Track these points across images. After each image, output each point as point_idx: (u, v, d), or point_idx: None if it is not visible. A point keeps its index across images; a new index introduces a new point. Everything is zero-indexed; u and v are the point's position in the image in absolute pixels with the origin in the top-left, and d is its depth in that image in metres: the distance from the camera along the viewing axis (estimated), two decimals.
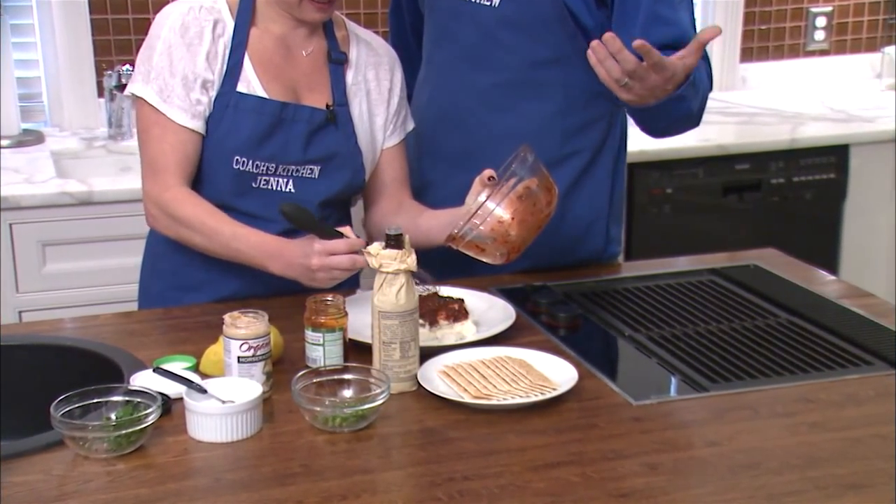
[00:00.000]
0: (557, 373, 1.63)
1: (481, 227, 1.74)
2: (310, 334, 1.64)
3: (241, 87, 1.88)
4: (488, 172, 1.81)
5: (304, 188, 1.92)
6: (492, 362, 1.66)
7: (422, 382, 1.60)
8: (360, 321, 1.77)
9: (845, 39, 3.98)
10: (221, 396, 1.49)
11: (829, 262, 3.32)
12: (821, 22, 3.92)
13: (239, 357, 1.56)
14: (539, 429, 1.50)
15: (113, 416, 1.48)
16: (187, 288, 1.97)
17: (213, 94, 1.87)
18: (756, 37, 3.90)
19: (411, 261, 1.60)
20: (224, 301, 1.91)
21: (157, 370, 1.60)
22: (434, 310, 1.79)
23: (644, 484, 1.36)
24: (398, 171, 2.06)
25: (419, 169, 2.20)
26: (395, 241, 1.60)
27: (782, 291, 2.02)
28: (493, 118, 2.09)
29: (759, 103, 3.68)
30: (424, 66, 2.20)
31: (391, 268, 1.59)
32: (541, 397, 1.56)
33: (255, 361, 1.57)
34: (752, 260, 2.20)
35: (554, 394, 1.57)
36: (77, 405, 1.47)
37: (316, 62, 1.95)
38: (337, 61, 1.96)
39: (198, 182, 1.91)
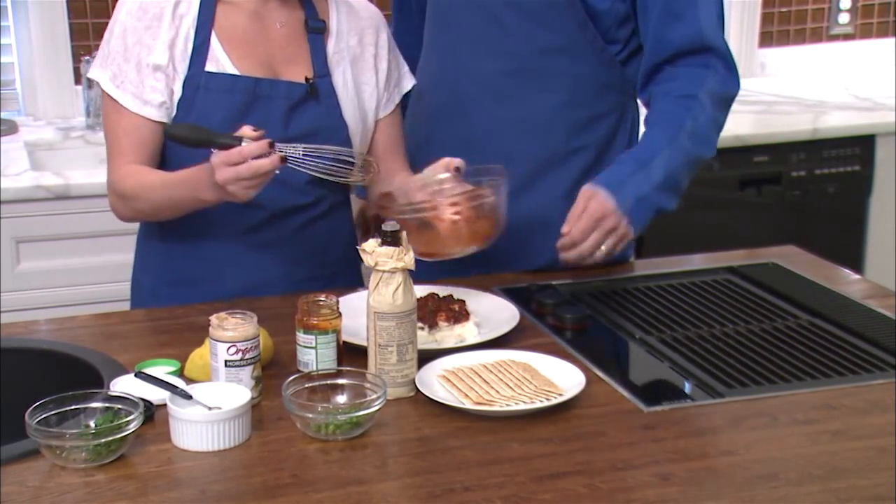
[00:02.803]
0: (564, 377, 1.64)
1: (423, 212, 1.77)
2: (301, 336, 1.64)
3: (210, 67, 1.90)
4: (457, 162, 1.86)
5: (291, 169, 1.92)
6: (494, 366, 1.67)
7: (420, 388, 1.60)
8: (356, 323, 1.77)
9: (871, 23, 3.98)
10: (207, 402, 1.50)
11: (854, 260, 3.32)
12: (845, 4, 3.92)
13: (226, 361, 1.57)
14: (544, 437, 1.51)
15: (92, 424, 1.48)
16: (178, 283, 1.98)
17: (180, 77, 1.89)
18: (776, 20, 3.90)
19: (409, 259, 1.60)
20: (219, 300, 1.91)
21: (139, 375, 1.60)
22: (433, 311, 1.79)
23: (655, 495, 1.37)
24: (392, 140, 2.07)
25: (416, 156, 2.20)
26: (391, 238, 1.61)
27: (803, 291, 2.03)
28: (497, 107, 2.10)
29: (779, 91, 3.69)
30: (425, 51, 2.21)
31: (387, 266, 1.59)
32: (546, 403, 1.56)
33: (244, 365, 1.58)
34: (771, 258, 2.21)
35: (560, 400, 1.57)
36: (54, 412, 1.48)
37: (292, 33, 1.95)
38: (315, 30, 1.96)
39: (177, 167, 1.93)
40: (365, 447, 1.49)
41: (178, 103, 1.89)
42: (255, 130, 1.72)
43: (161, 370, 1.65)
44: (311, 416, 1.50)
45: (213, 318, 1.58)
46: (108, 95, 1.90)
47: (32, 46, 3.21)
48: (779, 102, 3.57)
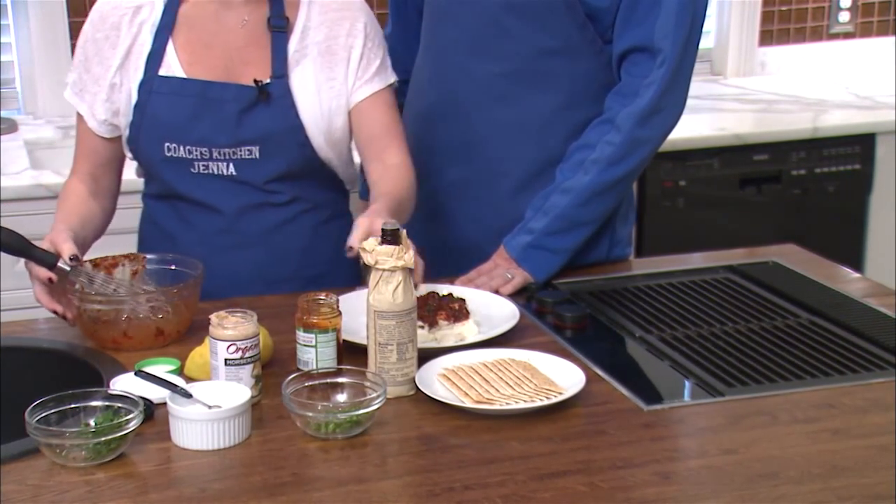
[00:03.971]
0: (564, 376, 1.64)
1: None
2: (301, 335, 1.64)
3: (163, 71, 1.91)
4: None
5: (246, 170, 1.93)
6: (494, 365, 1.67)
7: (420, 386, 1.60)
8: (356, 321, 1.77)
9: (871, 21, 3.98)
10: (207, 401, 1.50)
11: (854, 258, 3.32)
12: (845, 3, 3.92)
13: (226, 359, 1.57)
14: (544, 435, 1.51)
15: (92, 423, 1.48)
16: None
17: (136, 81, 1.91)
18: (776, 18, 3.90)
19: (409, 257, 1.60)
20: (216, 299, 1.91)
21: (139, 373, 1.60)
22: (433, 310, 1.79)
23: (655, 494, 1.37)
24: (374, 126, 1.98)
25: (414, 159, 2.20)
26: (391, 237, 1.61)
27: (803, 290, 2.03)
28: (495, 110, 2.09)
29: (780, 90, 3.68)
30: (422, 52, 2.20)
31: (387, 265, 1.59)
32: (546, 402, 1.56)
33: (244, 364, 1.58)
34: (771, 256, 2.21)
35: (560, 398, 1.57)
36: (53, 411, 1.48)
37: (253, 32, 1.93)
38: (276, 28, 1.92)
39: (146, 175, 2.02)
40: (365, 446, 1.49)
41: (134, 107, 1.92)
42: (71, 259, 1.75)
43: (161, 369, 1.64)
44: (311, 414, 1.50)
45: (213, 317, 1.58)
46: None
47: (32, 45, 3.21)
48: (779, 101, 3.57)
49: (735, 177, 3.23)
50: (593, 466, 1.43)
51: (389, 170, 1.97)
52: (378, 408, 1.51)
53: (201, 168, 1.93)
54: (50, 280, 1.74)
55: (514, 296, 1.97)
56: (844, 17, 3.94)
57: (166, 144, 1.92)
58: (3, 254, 2.66)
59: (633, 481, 1.40)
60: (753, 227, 3.23)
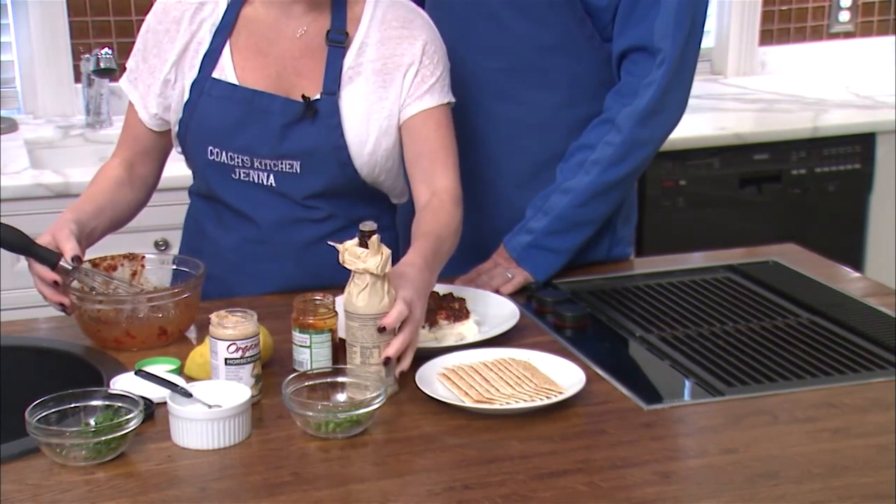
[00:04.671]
0: (564, 376, 1.64)
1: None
2: (297, 336, 1.64)
3: (217, 73, 1.89)
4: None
5: (286, 183, 1.91)
6: (494, 364, 1.67)
7: (420, 386, 1.60)
8: None
9: (871, 21, 3.98)
10: (208, 401, 1.50)
11: (854, 258, 3.32)
12: (845, 2, 3.92)
13: (226, 359, 1.57)
14: (544, 435, 1.51)
15: (92, 422, 1.48)
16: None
17: (189, 80, 1.90)
18: (776, 18, 3.90)
19: (373, 263, 1.57)
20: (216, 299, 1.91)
21: (140, 373, 1.60)
22: (434, 309, 1.79)
23: (655, 494, 1.37)
24: (423, 144, 1.90)
25: None
26: (362, 238, 1.60)
27: (803, 289, 2.03)
28: (495, 106, 2.09)
29: (780, 89, 3.69)
30: None
31: (354, 266, 1.59)
32: (546, 402, 1.56)
33: (244, 364, 1.58)
34: (771, 256, 2.21)
35: (560, 398, 1.57)
36: (54, 410, 1.48)
37: (311, 44, 1.89)
38: (334, 43, 1.88)
39: (193, 172, 2.00)
40: (365, 445, 1.49)
41: (185, 105, 1.90)
42: (73, 259, 1.73)
43: (161, 368, 1.64)
44: (310, 414, 1.50)
45: (213, 317, 1.58)
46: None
47: (32, 44, 3.21)
48: (779, 100, 3.57)
49: (735, 176, 3.24)
50: (593, 466, 1.43)
51: (434, 197, 1.89)
52: (378, 407, 1.51)
53: (242, 175, 1.91)
54: (55, 283, 1.74)
55: (515, 295, 1.97)
56: (844, 16, 3.94)
57: (210, 148, 1.90)
58: (3, 253, 2.66)
59: (633, 481, 1.40)
60: (754, 226, 3.23)
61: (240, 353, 1.57)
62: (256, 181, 1.91)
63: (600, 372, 1.69)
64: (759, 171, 3.25)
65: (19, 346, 1.80)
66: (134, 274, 1.89)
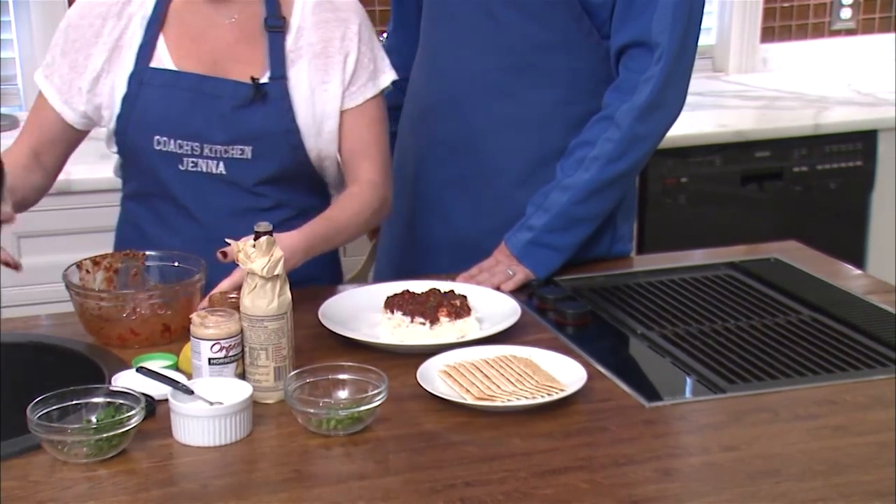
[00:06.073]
0: (565, 373, 1.64)
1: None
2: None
3: (155, 63, 1.89)
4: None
5: (236, 169, 1.91)
6: (496, 362, 1.67)
7: (421, 383, 1.60)
8: (356, 318, 1.78)
9: (873, 18, 3.98)
10: (209, 398, 1.50)
11: (856, 255, 3.32)
12: None
13: (210, 359, 1.57)
14: (545, 432, 1.51)
15: (93, 419, 1.48)
16: None
17: (124, 74, 1.89)
18: (778, 15, 3.90)
19: (259, 264, 1.56)
20: None
21: (141, 370, 1.60)
22: (435, 306, 1.79)
23: (657, 491, 1.37)
24: (357, 141, 1.95)
25: (414, 155, 2.20)
26: (257, 238, 1.59)
27: (805, 286, 2.02)
28: (493, 104, 2.09)
29: (781, 86, 3.68)
30: (421, 47, 2.21)
31: (244, 265, 1.57)
32: (548, 399, 1.56)
33: (227, 363, 1.57)
34: (772, 253, 2.21)
35: (561, 395, 1.57)
36: (55, 407, 1.48)
37: (244, 30, 1.90)
38: (273, 28, 1.89)
39: (128, 174, 1.99)
40: (366, 442, 1.49)
41: (123, 100, 1.90)
42: None
43: (157, 364, 1.64)
44: (312, 411, 1.50)
45: (195, 317, 1.58)
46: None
47: (33, 42, 3.21)
48: (781, 98, 3.57)
49: (737, 173, 3.23)
50: (594, 463, 1.43)
51: (356, 186, 1.94)
52: (379, 404, 1.51)
53: (190, 165, 1.91)
54: None
55: (516, 292, 1.97)
56: (846, 13, 3.93)
57: (156, 137, 1.89)
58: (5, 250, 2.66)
59: (635, 478, 1.40)
60: (755, 223, 3.23)
61: (223, 352, 1.57)
62: (205, 170, 1.91)
63: (601, 369, 1.69)
64: (760, 168, 3.25)
65: (20, 343, 1.80)
66: (135, 273, 1.89)
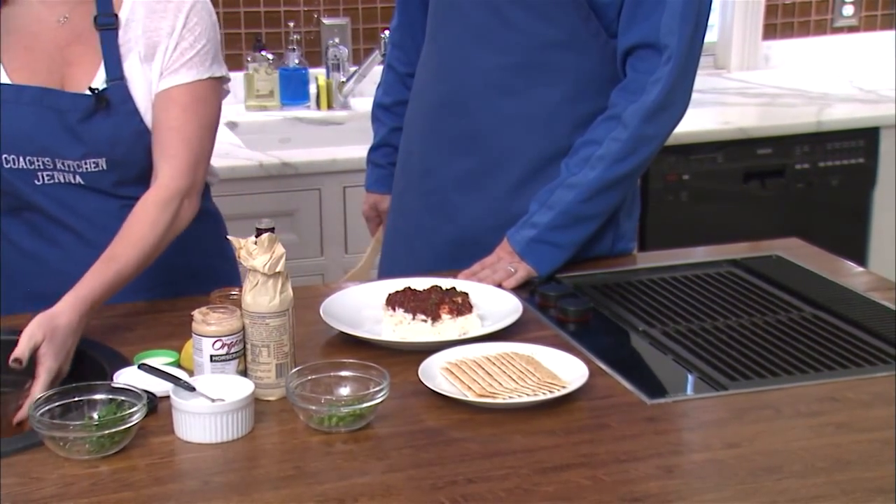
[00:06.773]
0: (567, 370, 1.64)
1: None
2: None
3: None
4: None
5: (95, 179, 1.82)
6: (497, 359, 1.67)
7: (423, 380, 1.60)
8: (358, 314, 1.78)
9: (875, 15, 3.98)
10: (211, 395, 1.50)
11: (858, 252, 3.33)
12: None
13: (212, 356, 1.56)
14: (547, 429, 1.51)
15: (95, 416, 1.48)
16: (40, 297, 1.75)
17: None
18: (780, 12, 3.90)
19: (260, 261, 1.55)
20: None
21: (143, 367, 1.60)
22: (436, 303, 1.79)
23: (659, 488, 1.37)
24: (160, 131, 1.79)
25: (419, 152, 2.20)
26: (258, 235, 1.58)
27: (807, 284, 2.02)
28: (499, 102, 2.09)
29: (783, 83, 3.68)
30: (427, 44, 2.20)
31: (245, 263, 1.57)
32: (549, 396, 1.56)
33: (229, 360, 1.57)
34: (774, 250, 2.21)
35: (563, 392, 1.57)
36: (57, 404, 1.48)
37: (76, 30, 1.80)
38: (105, 27, 1.78)
39: None
40: (368, 439, 1.49)
41: None
42: None
43: (159, 361, 1.64)
44: (314, 408, 1.50)
45: (196, 314, 1.58)
46: None
47: None
48: (783, 95, 3.57)
49: (739, 171, 3.24)
50: (596, 460, 1.43)
51: (150, 193, 1.79)
52: (381, 401, 1.51)
53: (46, 178, 1.82)
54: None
55: (518, 289, 1.97)
56: (848, 10, 3.93)
57: (3, 156, 1.79)
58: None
59: (637, 475, 1.40)
60: (757, 221, 3.23)
61: (225, 349, 1.56)
62: (63, 181, 1.83)
63: (603, 366, 1.69)
64: (762, 165, 3.25)
65: None
66: None
